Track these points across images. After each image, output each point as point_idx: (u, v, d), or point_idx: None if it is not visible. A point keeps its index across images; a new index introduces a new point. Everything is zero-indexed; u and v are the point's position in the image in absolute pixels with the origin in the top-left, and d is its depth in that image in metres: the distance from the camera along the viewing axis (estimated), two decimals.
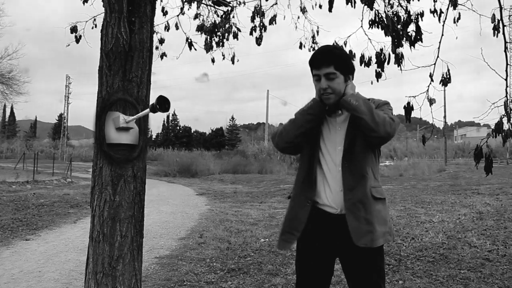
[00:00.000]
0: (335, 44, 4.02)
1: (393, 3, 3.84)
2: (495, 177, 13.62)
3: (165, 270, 4.14)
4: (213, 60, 5.20)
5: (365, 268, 1.77)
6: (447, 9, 3.70)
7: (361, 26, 4.00)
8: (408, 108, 3.52)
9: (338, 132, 1.82)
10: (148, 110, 1.64)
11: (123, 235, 1.76)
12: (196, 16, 4.88)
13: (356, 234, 1.71)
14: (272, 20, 4.96)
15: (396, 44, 3.74)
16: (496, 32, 3.55)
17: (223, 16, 4.83)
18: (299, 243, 1.91)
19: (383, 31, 3.84)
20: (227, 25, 4.87)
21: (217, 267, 4.19)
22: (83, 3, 4.44)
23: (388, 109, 1.84)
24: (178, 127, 66.82)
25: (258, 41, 4.96)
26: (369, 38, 3.95)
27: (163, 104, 1.57)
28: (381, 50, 3.81)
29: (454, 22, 3.82)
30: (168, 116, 66.69)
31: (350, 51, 4.10)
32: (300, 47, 4.99)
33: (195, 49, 4.97)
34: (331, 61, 1.72)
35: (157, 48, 5.02)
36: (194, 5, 4.74)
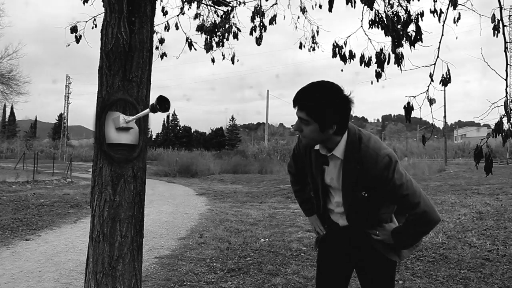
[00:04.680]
0: (331, 43, 4.02)
1: (393, 3, 3.83)
2: (495, 177, 13.60)
3: (165, 270, 4.14)
4: (213, 60, 5.20)
5: (377, 278, 1.79)
6: (447, 9, 3.70)
7: (361, 26, 4.00)
8: (408, 108, 3.52)
9: (331, 182, 1.73)
10: (148, 110, 1.63)
11: (123, 235, 1.76)
12: (196, 16, 4.88)
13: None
14: (272, 20, 4.96)
15: (396, 44, 3.74)
16: (496, 32, 3.55)
17: (223, 16, 4.83)
18: (320, 246, 1.94)
19: (383, 31, 3.84)
20: (227, 25, 4.87)
21: (217, 267, 4.19)
22: (83, 3, 4.45)
23: (402, 192, 1.57)
24: (178, 127, 66.84)
25: (258, 41, 4.96)
26: (369, 38, 3.95)
27: (163, 104, 1.57)
28: (381, 50, 3.81)
29: (454, 22, 3.82)
30: (168, 116, 66.74)
31: (350, 51, 4.10)
32: (300, 47, 4.99)
33: (195, 49, 4.98)
34: (302, 107, 1.53)
35: (157, 48, 5.02)
36: (194, 5, 4.75)
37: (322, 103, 1.49)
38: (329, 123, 1.52)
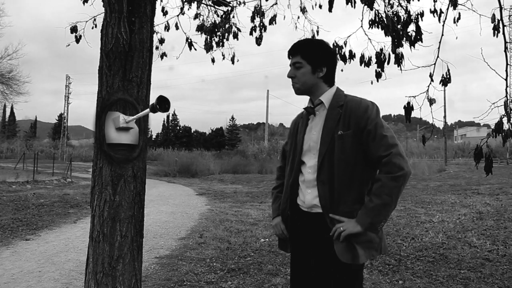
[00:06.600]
0: (331, 42, 4.01)
1: (393, 3, 3.84)
2: (495, 177, 13.62)
3: (165, 270, 4.14)
4: (213, 60, 5.20)
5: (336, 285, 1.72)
6: (447, 9, 3.70)
7: (361, 26, 4.00)
8: (408, 108, 3.52)
9: (312, 137, 1.81)
10: (148, 110, 1.63)
11: (123, 235, 1.76)
12: (196, 16, 4.88)
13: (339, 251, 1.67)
14: (272, 20, 4.96)
15: (396, 44, 3.74)
16: (496, 32, 3.55)
17: (223, 16, 4.83)
18: (292, 254, 1.95)
19: (383, 31, 3.84)
20: (227, 25, 4.87)
21: (217, 267, 4.19)
22: (83, 3, 4.44)
23: (382, 132, 1.66)
24: (178, 127, 66.84)
25: (258, 41, 4.96)
26: (369, 38, 3.95)
27: (163, 104, 1.57)
28: (381, 50, 3.81)
29: (454, 22, 3.82)
30: (168, 116, 66.76)
31: (350, 51, 4.10)
32: None
33: (195, 49, 4.97)
34: (297, 50, 1.80)
35: (157, 48, 5.03)
36: (194, 5, 4.74)
37: (314, 46, 1.81)
38: (320, 64, 1.78)
